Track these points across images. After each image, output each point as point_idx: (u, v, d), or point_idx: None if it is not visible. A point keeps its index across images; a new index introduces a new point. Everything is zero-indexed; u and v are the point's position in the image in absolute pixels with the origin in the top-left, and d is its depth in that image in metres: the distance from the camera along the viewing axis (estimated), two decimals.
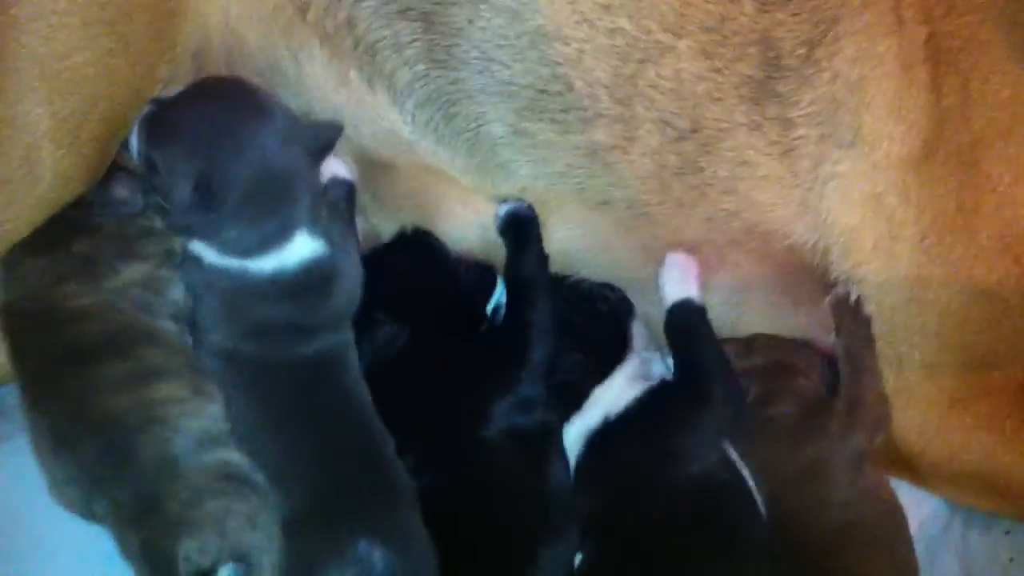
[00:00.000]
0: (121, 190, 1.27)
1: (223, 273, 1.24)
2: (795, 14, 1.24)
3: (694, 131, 1.26)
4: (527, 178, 1.33)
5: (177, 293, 1.26)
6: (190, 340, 1.26)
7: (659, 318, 1.32)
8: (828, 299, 1.28)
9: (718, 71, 1.25)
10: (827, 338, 1.30)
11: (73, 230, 1.25)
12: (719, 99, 1.25)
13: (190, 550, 1.11)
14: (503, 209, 1.34)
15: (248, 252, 1.23)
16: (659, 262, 1.32)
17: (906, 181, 1.21)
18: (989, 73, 1.21)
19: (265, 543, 1.15)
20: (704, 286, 1.30)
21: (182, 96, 1.27)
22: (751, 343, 1.34)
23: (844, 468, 1.24)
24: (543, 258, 1.34)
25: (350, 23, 1.29)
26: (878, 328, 1.26)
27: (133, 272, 1.25)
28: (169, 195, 1.21)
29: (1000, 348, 1.24)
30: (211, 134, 1.20)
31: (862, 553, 1.20)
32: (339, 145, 1.31)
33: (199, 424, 1.18)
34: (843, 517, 1.22)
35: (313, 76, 1.32)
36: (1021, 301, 1.22)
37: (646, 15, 1.25)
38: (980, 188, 1.20)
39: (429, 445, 1.25)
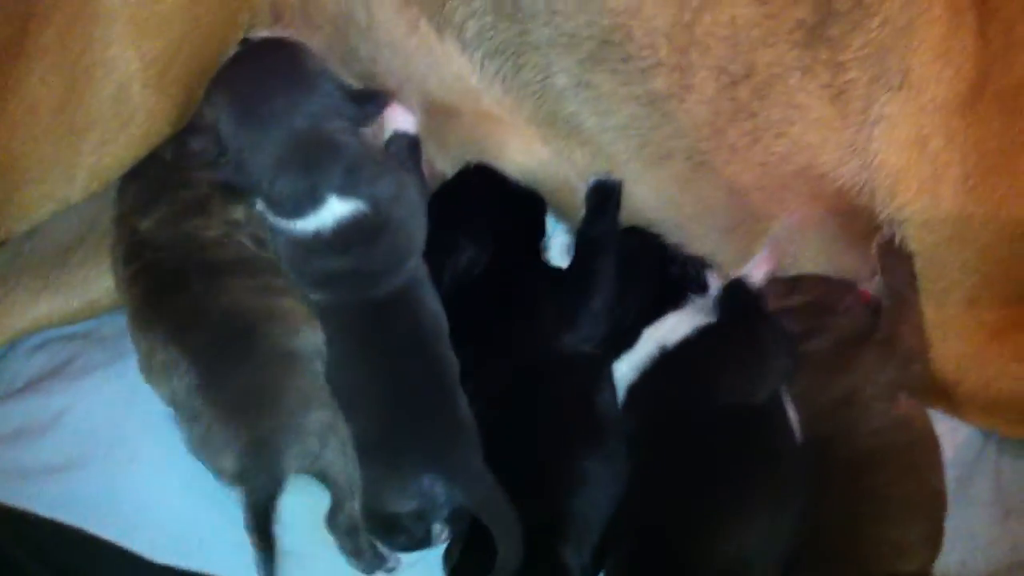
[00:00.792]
0: (195, 143, 1.33)
1: (280, 230, 1.31)
2: None
3: (747, 76, 1.28)
4: (592, 131, 1.36)
5: None
6: None
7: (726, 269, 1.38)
8: (875, 242, 1.32)
9: (771, 16, 1.27)
10: (875, 280, 1.34)
11: (173, 183, 1.31)
12: (772, 44, 1.27)
13: (295, 453, 1.18)
14: (592, 179, 1.37)
15: (289, 214, 1.29)
16: (719, 210, 1.35)
17: (951, 124, 1.24)
18: None
19: (352, 472, 1.21)
20: (762, 232, 1.35)
21: (236, 58, 1.33)
22: (795, 283, 1.37)
23: (876, 398, 1.27)
24: (616, 223, 1.37)
25: None
26: (921, 266, 1.29)
27: (239, 213, 1.32)
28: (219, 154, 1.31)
29: None
30: (249, 103, 1.27)
31: (890, 477, 1.23)
32: (407, 92, 1.37)
33: (315, 338, 1.25)
34: (873, 443, 1.25)
35: (384, 23, 1.35)
36: None
37: None
38: (1022, 131, 1.22)
39: (489, 367, 1.30)
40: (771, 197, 1.34)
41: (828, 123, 1.29)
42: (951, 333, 1.30)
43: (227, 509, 1.21)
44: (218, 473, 1.21)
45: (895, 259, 1.31)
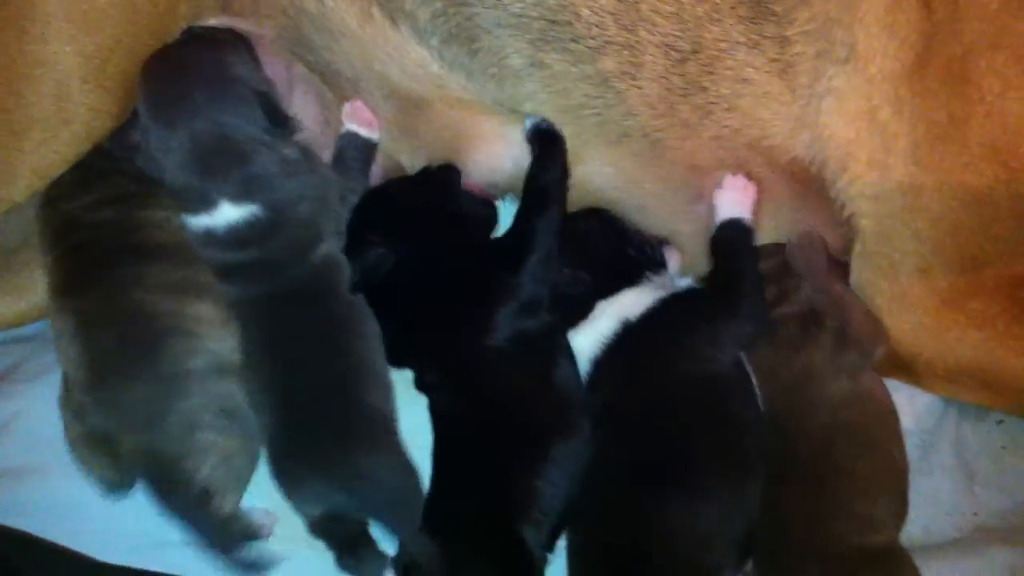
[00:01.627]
0: (136, 135, 1.31)
1: (184, 221, 1.32)
2: None
3: (695, 52, 1.28)
4: (552, 112, 1.36)
5: None
6: None
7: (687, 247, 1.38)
8: (788, 247, 1.33)
9: None
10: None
11: (110, 171, 1.31)
12: (718, 20, 1.27)
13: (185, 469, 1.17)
14: (529, 121, 1.36)
15: (185, 209, 1.30)
16: (679, 188, 1.35)
17: (899, 95, 1.23)
18: None
19: (232, 483, 1.21)
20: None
21: (165, 50, 1.31)
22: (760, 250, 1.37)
23: (836, 376, 1.27)
24: (564, 173, 1.36)
25: None
26: (873, 240, 1.29)
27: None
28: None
29: (991, 249, 1.27)
30: (162, 98, 1.27)
31: (850, 452, 1.23)
32: (367, 83, 1.36)
33: (218, 349, 1.24)
34: (833, 420, 1.25)
35: (337, 13, 1.34)
36: (1010, 204, 1.23)
37: None
38: (970, 99, 1.21)
39: (439, 360, 1.29)
40: (730, 170, 1.33)
41: (776, 97, 1.28)
42: (907, 304, 1.30)
43: None
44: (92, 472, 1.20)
45: (807, 255, 1.31)
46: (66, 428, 1.23)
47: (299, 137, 1.34)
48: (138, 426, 1.18)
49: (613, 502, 1.23)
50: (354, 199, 1.38)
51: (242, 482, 1.25)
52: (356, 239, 1.36)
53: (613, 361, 1.32)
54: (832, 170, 1.29)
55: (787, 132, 1.29)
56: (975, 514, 1.30)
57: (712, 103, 1.30)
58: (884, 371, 1.33)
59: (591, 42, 1.30)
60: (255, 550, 1.19)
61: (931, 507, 1.29)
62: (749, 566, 1.23)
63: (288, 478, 1.23)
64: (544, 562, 1.23)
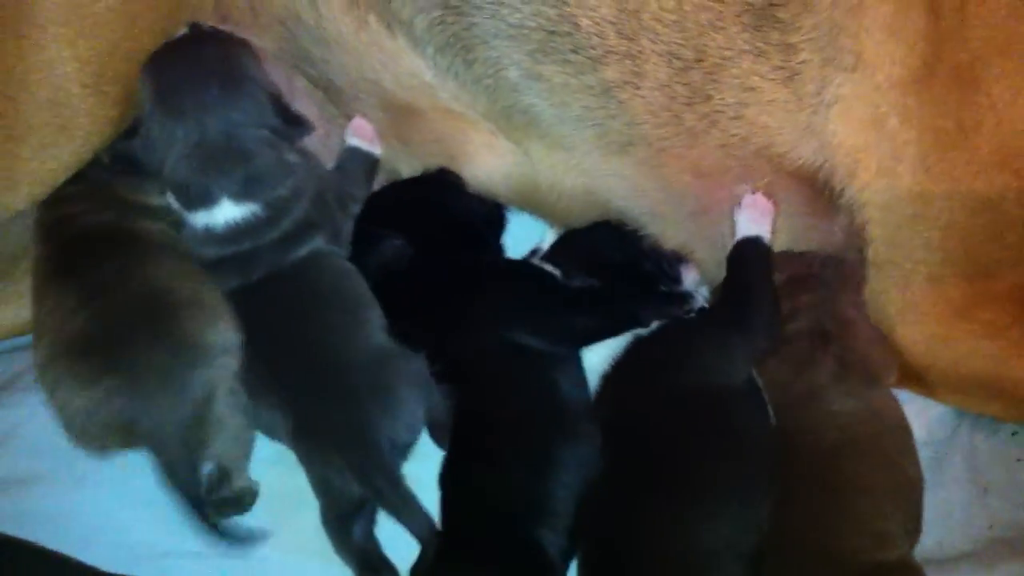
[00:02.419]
0: (132, 145, 1.30)
1: (180, 217, 1.31)
2: None
3: (699, 60, 1.25)
4: (550, 123, 1.33)
5: None
6: None
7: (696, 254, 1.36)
8: (817, 258, 1.30)
9: (719, 0, 1.24)
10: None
11: (107, 182, 1.30)
12: (721, 27, 1.24)
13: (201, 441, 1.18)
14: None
15: (184, 204, 1.29)
16: (688, 196, 1.32)
17: (907, 102, 1.21)
18: None
19: (240, 462, 1.21)
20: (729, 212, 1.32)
21: (177, 40, 1.30)
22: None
23: (841, 397, 1.23)
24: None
25: None
26: (883, 249, 1.26)
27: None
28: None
29: (1002, 257, 1.24)
30: (171, 87, 1.27)
31: (862, 467, 1.20)
32: (362, 92, 1.35)
33: (226, 328, 1.23)
34: (843, 435, 1.22)
35: (332, 22, 1.33)
36: (1020, 212, 1.21)
37: None
38: (979, 106, 1.19)
39: (448, 357, 1.26)
40: (737, 178, 1.31)
41: (783, 105, 1.26)
42: (918, 314, 1.27)
43: (183, 523, 1.17)
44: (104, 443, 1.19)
45: (838, 276, 1.28)
46: (55, 400, 1.20)
47: (306, 141, 1.34)
48: (156, 393, 1.16)
49: (622, 516, 1.19)
50: (356, 208, 1.37)
51: (246, 462, 1.23)
52: (368, 235, 1.35)
53: (622, 374, 1.29)
54: (841, 178, 1.26)
55: (794, 140, 1.27)
56: (990, 527, 1.25)
57: (717, 111, 1.27)
58: (896, 383, 1.30)
59: (592, 52, 1.27)
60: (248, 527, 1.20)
61: (945, 520, 1.25)
62: None
63: (309, 466, 1.21)
64: (566, 568, 1.19)
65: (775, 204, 1.30)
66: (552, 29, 1.27)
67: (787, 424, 1.26)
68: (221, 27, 1.33)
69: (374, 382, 1.22)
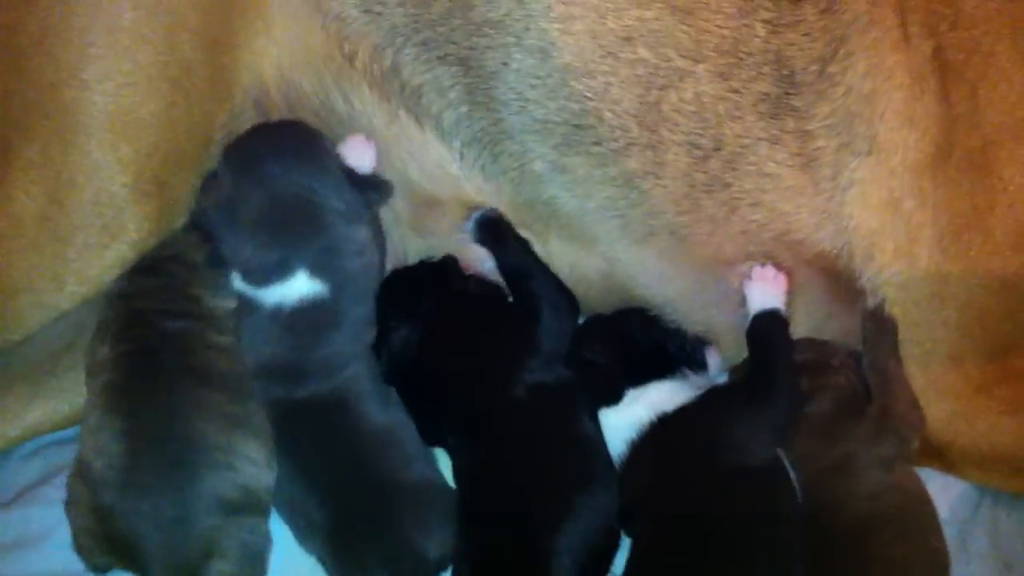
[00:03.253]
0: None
1: (246, 299, 1.28)
2: (805, 34, 1.26)
3: (717, 149, 1.27)
4: (573, 214, 1.34)
5: None
6: None
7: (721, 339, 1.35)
8: (858, 311, 1.29)
9: (735, 91, 1.26)
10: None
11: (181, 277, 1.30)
12: (739, 117, 1.26)
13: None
14: (472, 217, 1.35)
15: (257, 279, 1.27)
16: (709, 282, 1.33)
17: (922, 185, 1.22)
18: (996, 81, 1.23)
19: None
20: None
21: (255, 129, 1.33)
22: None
23: (872, 466, 1.24)
24: (523, 243, 1.35)
25: (395, 68, 1.31)
26: (903, 327, 1.27)
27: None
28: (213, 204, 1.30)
29: (1017, 334, 1.25)
30: (251, 161, 1.28)
31: (889, 541, 1.19)
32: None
33: (256, 488, 1.21)
34: (870, 509, 1.21)
35: (365, 116, 1.35)
36: None
37: (665, 44, 1.26)
38: (993, 188, 1.21)
39: (466, 425, 1.27)
40: (758, 262, 1.31)
41: (800, 190, 1.27)
42: (939, 393, 1.27)
43: None
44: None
45: (877, 329, 1.29)
46: (73, 515, 1.20)
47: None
48: (161, 529, 1.16)
49: None
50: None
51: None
52: (379, 328, 1.34)
53: (648, 455, 1.27)
54: (859, 260, 1.27)
55: (812, 225, 1.28)
56: None
57: (736, 198, 1.28)
58: (918, 460, 1.30)
59: (614, 144, 1.28)
60: None
61: None
62: None
63: (354, 568, 1.21)
64: None
65: (791, 282, 1.30)
66: (576, 123, 1.28)
67: (814, 497, 1.24)
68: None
69: (414, 511, 1.22)
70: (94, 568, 1.20)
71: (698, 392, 1.31)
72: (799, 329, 1.34)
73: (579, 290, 1.37)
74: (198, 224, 1.30)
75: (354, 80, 1.34)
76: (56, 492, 1.24)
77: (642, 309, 1.38)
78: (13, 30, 1.22)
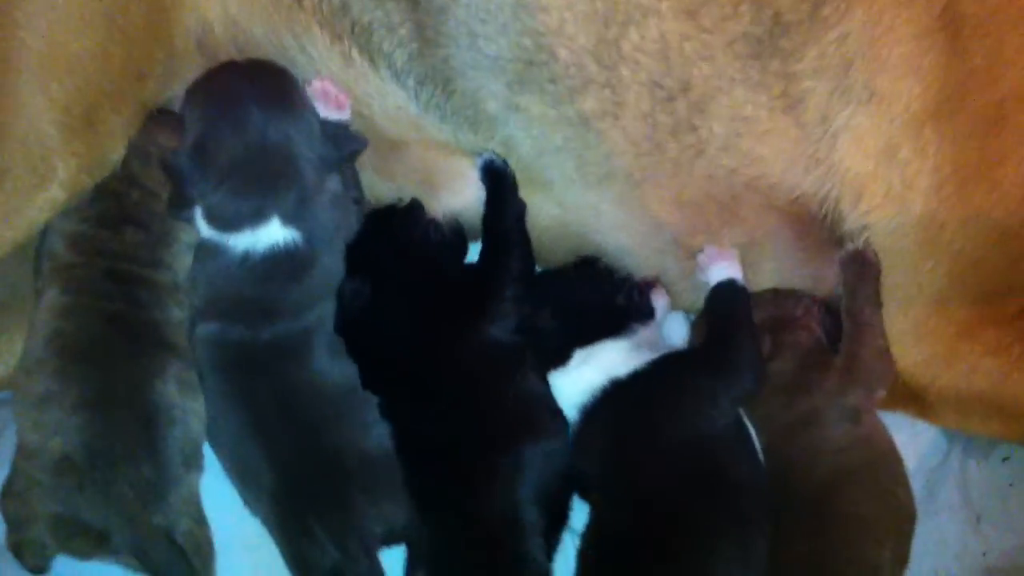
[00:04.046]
0: (164, 137, 1.22)
1: (210, 248, 1.18)
2: None
3: (684, 91, 1.13)
4: (530, 155, 1.20)
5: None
6: None
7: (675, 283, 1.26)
8: (838, 256, 1.18)
9: (706, 30, 1.12)
10: (834, 291, 1.20)
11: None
12: (709, 57, 1.12)
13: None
14: (480, 160, 1.25)
15: (227, 225, 1.15)
16: (664, 228, 1.23)
17: (922, 135, 1.11)
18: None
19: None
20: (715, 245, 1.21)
21: (228, 68, 1.21)
22: (753, 299, 1.22)
23: (838, 420, 1.15)
24: (519, 210, 1.23)
25: (344, 7, 1.20)
26: (887, 272, 1.17)
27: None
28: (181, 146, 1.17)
29: (1015, 283, 1.17)
30: (227, 103, 1.16)
31: (857, 498, 1.11)
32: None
33: (199, 440, 1.18)
34: (836, 464, 1.13)
35: (319, 58, 1.23)
36: None
37: None
38: (1006, 140, 1.09)
39: (413, 380, 1.20)
40: (722, 208, 1.19)
41: (782, 134, 1.14)
42: (921, 335, 1.18)
43: None
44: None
45: (860, 274, 1.17)
46: (17, 507, 1.12)
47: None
48: (134, 507, 1.10)
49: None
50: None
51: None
52: None
53: (603, 423, 1.18)
54: (845, 205, 1.16)
55: (792, 169, 1.15)
56: (984, 554, 1.18)
57: (705, 142, 1.15)
58: (892, 404, 1.21)
59: (569, 83, 1.13)
60: None
61: (939, 549, 1.18)
62: None
63: (298, 533, 1.14)
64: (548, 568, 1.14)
65: (758, 230, 1.20)
66: (530, 60, 1.14)
67: (777, 456, 1.16)
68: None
69: (364, 481, 1.15)
70: (33, 569, 1.11)
71: (651, 351, 1.20)
72: (765, 279, 1.22)
73: (531, 236, 1.25)
74: (164, 165, 1.18)
75: (304, 21, 1.21)
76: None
77: (592, 260, 1.25)
78: None
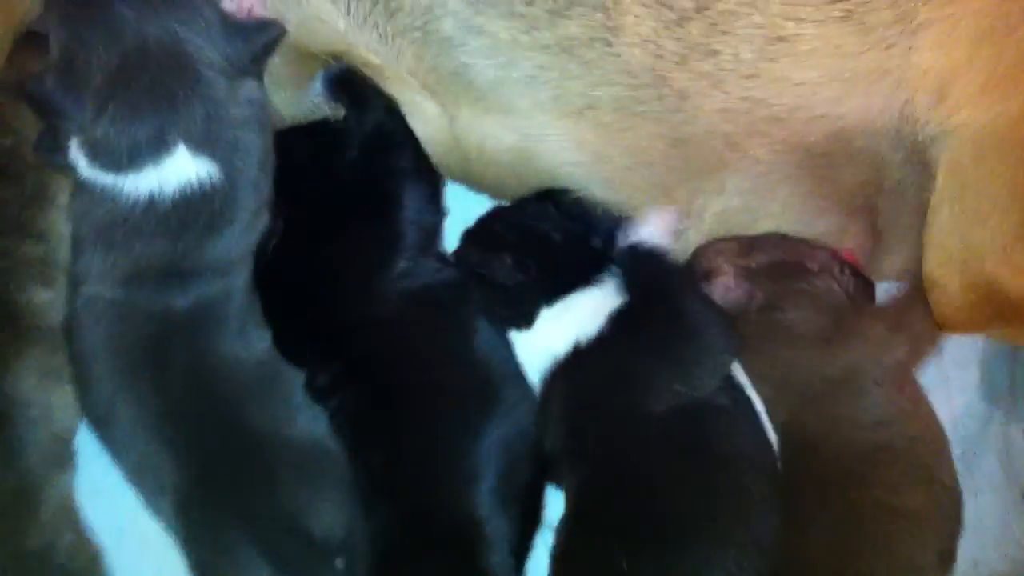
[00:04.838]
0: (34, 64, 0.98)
1: (98, 196, 0.94)
2: None
3: (701, 10, 0.93)
4: (490, 85, 0.99)
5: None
6: None
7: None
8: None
9: None
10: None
11: None
12: None
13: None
14: (320, 75, 1.06)
15: (119, 163, 0.92)
16: (658, 164, 1.02)
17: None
18: None
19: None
20: (714, 190, 1.01)
21: None
22: (754, 241, 1.04)
23: (882, 381, 0.97)
24: (385, 102, 1.03)
25: None
26: (973, 184, 0.98)
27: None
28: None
29: None
30: (89, 3, 0.93)
31: (896, 481, 0.94)
32: None
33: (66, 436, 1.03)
34: (875, 438, 0.95)
35: None
36: None
37: None
38: None
39: (334, 345, 1.01)
40: (730, 147, 0.99)
41: (834, 51, 0.95)
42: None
43: None
44: None
45: None
46: None
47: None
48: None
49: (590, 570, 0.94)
50: None
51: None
52: None
53: (571, 394, 1.00)
54: (921, 112, 0.97)
55: (845, 90, 0.97)
56: None
57: (724, 70, 0.95)
58: (983, 325, 1.03)
59: (549, 4, 0.93)
60: None
61: (978, 535, 1.01)
62: None
63: (208, 542, 0.96)
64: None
65: (766, 171, 1.00)
66: None
67: (799, 433, 0.98)
68: None
69: (299, 475, 0.97)
70: None
71: (618, 305, 1.01)
72: (770, 221, 1.05)
73: (488, 173, 1.05)
74: (26, 95, 0.95)
75: None
76: None
77: (558, 191, 1.05)
78: None
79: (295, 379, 0.98)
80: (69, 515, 0.99)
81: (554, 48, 0.96)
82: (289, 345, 0.99)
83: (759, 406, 1.02)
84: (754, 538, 0.94)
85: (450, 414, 0.97)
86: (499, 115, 1.01)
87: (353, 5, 0.99)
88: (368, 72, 1.04)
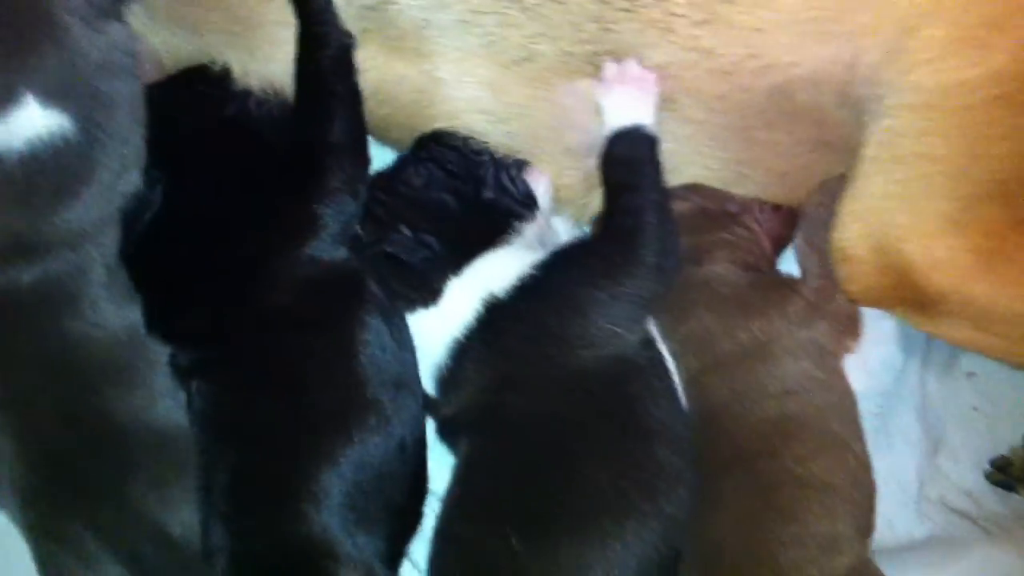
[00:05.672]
0: None
1: None
2: None
3: None
4: (414, 25, 0.91)
5: None
6: None
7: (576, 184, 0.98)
8: (819, 184, 0.95)
9: None
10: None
11: None
12: None
13: None
14: None
15: None
16: (586, 130, 0.94)
17: None
18: None
19: None
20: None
21: None
22: (690, 189, 0.97)
23: (796, 354, 0.92)
24: (344, 45, 0.92)
25: None
26: (922, 144, 0.90)
27: None
28: None
29: None
30: None
31: (807, 452, 0.89)
32: None
33: None
34: (785, 408, 0.91)
35: None
36: None
37: None
38: None
39: (208, 328, 0.93)
40: (665, 106, 0.92)
41: None
42: (963, 224, 0.92)
43: None
44: None
45: (828, 202, 0.94)
46: None
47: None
48: None
49: (483, 549, 0.88)
50: None
51: None
52: None
53: (480, 357, 0.92)
54: (874, 64, 0.89)
55: (802, 38, 0.88)
56: (942, 497, 0.99)
57: (676, 15, 0.89)
58: (887, 305, 0.97)
59: None
60: None
61: (894, 494, 0.97)
62: None
63: (55, 534, 0.89)
64: None
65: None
66: None
67: (714, 391, 0.93)
68: None
69: (157, 467, 0.90)
70: None
71: (535, 257, 0.92)
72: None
73: (380, 112, 0.96)
74: None
75: None
76: None
77: (442, 135, 0.97)
78: None
79: (161, 362, 0.91)
80: None
81: None
82: (158, 320, 0.91)
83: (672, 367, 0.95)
84: (662, 516, 0.88)
85: (309, 427, 0.89)
86: (415, 58, 0.95)
87: None
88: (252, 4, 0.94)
